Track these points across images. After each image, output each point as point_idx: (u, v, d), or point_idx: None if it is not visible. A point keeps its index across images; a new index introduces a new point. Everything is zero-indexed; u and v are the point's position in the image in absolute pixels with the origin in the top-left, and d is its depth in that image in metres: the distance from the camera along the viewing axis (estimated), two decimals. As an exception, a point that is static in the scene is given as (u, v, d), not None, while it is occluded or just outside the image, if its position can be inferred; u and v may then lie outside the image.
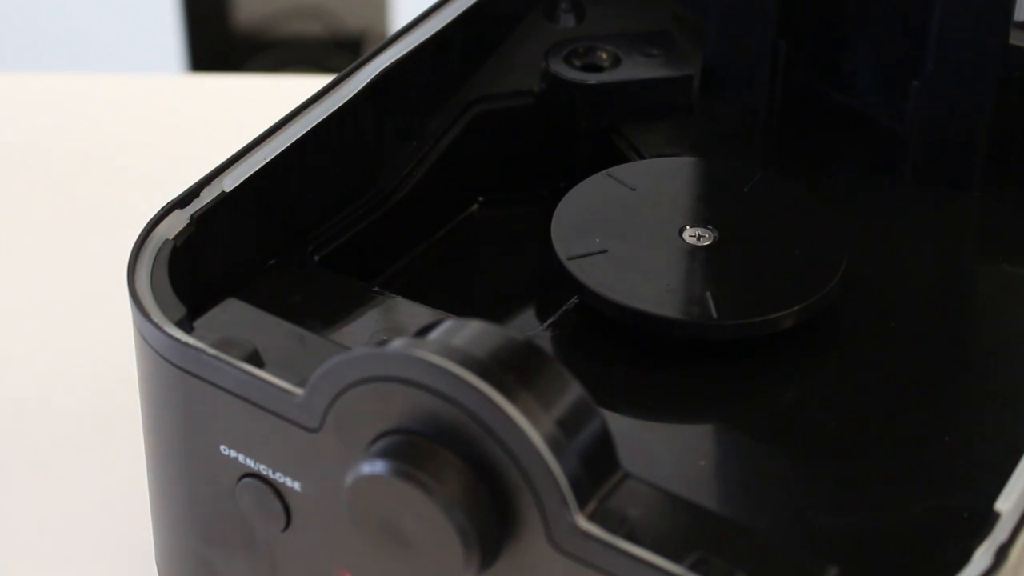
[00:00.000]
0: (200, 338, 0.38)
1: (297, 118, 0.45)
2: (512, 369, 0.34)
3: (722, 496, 0.39)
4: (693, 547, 0.33)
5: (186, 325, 0.39)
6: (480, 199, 0.50)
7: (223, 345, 0.38)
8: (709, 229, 0.44)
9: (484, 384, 0.33)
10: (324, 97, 0.46)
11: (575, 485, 0.33)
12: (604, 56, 0.50)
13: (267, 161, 0.43)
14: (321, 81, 0.47)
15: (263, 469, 0.38)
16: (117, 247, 0.43)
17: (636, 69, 0.50)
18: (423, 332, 0.35)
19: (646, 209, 0.45)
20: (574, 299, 0.43)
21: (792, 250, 0.43)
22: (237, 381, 0.37)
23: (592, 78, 0.49)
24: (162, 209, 0.42)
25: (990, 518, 0.35)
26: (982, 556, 0.34)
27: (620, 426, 0.36)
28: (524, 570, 0.35)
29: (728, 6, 0.50)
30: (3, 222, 0.60)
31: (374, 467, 0.34)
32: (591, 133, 0.50)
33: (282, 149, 0.44)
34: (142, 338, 0.39)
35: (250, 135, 0.44)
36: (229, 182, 0.43)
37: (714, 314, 0.41)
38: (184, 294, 0.40)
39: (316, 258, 0.45)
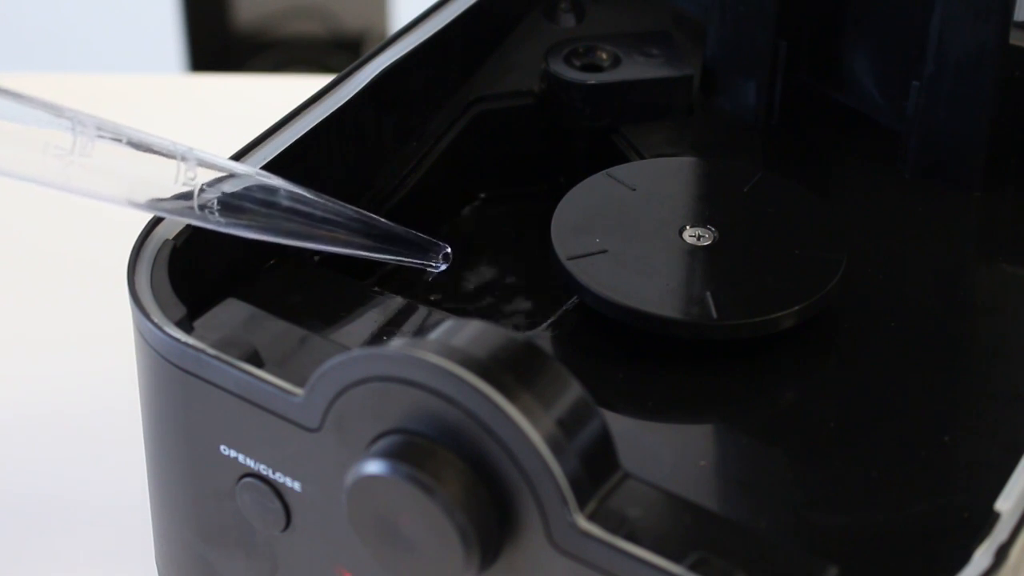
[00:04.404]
0: (200, 338, 0.38)
1: (297, 118, 0.45)
2: (512, 369, 0.34)
3: (722, 496, 0.39)
4: (693, 547, 0.33)
5: (186, 325, 0.39)
6: (480, 199, 0.50)
7: (223, 345, 0.38)
8: (709, 229, 0.44)
9: (484, 384, 0.33)
10: (324, 97, 0.46)
11: (575, 485, 0.33)
12: (604, 56, 0.50)
13: (267, 161, 0.43)
14: (321, 81, 0.47)
15: (263, 469, 0.38)
16: (117, 247, 0.42)
17: (636, 69, 0.50)
18: (423, 332, 0.35)
19: (646, 209, 0.45)
20: (574, 299, 0.43)
21: (792, 250, 0.43)
22: (237, 381, 0.37)
23: (592, 78, 0.49)
24: (162, 209, 0.42)
25: (990, 518, 0.35)
26: (982, 556, 0.34)
27: (620, 426, 0.36)
28: (524, 570, 0.35)
29: (728, 6, 0.50)
30: (3, 222, 0.60)
31: (374, 467, 0.34)
32: (591, 133, 0.50)
33: (282, 149, 0.44)
34: (142, 338, 0.39)
35: (250, 135, 0.44)
36: (229, 182, 0.42)
37: (714, 314, 0.41)
38: (184, 294, 0.40)
39: (316, 258, 0.45)
